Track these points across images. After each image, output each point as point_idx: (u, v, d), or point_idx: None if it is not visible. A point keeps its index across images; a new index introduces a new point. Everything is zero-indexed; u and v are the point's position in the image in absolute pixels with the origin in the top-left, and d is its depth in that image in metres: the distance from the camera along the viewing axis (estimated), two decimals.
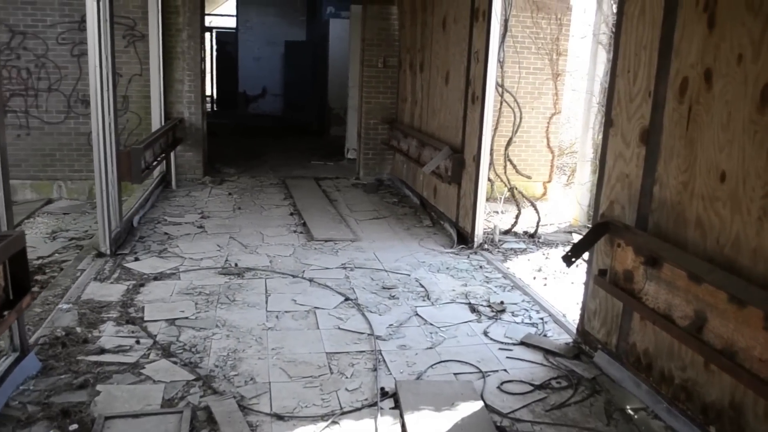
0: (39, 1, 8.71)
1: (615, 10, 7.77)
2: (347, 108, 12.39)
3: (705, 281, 3.07)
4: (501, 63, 6.92)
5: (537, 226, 7.31)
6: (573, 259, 3.97)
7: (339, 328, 4.64)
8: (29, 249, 6.88)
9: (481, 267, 6.18)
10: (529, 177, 8.72)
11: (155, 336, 4.37)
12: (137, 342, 4.26)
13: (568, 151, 12.14)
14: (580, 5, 10.42)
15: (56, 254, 6.96)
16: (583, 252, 4.08)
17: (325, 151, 13.02)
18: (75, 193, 9.36)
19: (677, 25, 3.51)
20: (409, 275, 5.86)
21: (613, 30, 7.91)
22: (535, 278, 6.01)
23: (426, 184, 8.45)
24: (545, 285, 5.88)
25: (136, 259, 6.03)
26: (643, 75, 3.82)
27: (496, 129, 7.04)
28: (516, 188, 7.52)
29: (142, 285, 5.36)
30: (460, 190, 7.08)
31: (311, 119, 16.93)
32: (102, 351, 4.11)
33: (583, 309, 4.47)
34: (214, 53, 21.06)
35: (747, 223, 2.99)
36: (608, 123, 4.20)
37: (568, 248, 3.99)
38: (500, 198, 8.00)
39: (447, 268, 6.09)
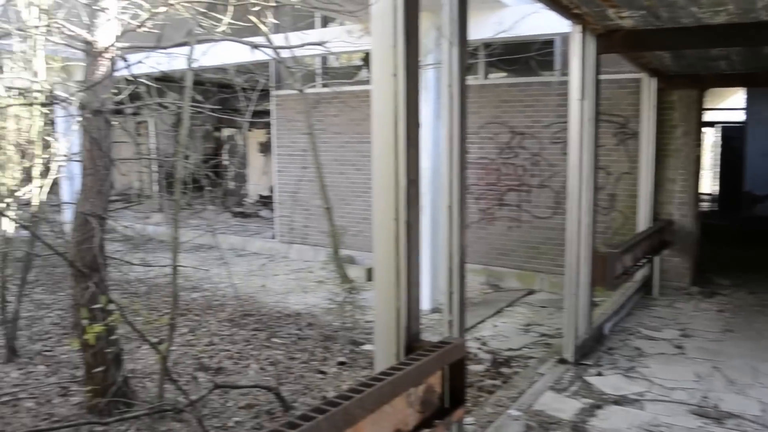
0: (538, 104, 9.24)
1: None
2: None
3: None
4: None
5: None
6: None
7: None
8: (503, 338, 7.21)
9: None
10: None
11: None
12: None
13: None
14: None
15: (524, 348, 6.99)
16: None
17: None
18: (555, 287, 9.36)
19: None
20: None
21: None
22: None
23: None
24: None
25: (599, 374, 5.52)
26: None
27: None
28: None
29: (599, 407, 4.81)
30: None
31: None
32: None
33: None
34: (719, 149, 19.40)
35: None
36: None
37: None
38: None
39: None
